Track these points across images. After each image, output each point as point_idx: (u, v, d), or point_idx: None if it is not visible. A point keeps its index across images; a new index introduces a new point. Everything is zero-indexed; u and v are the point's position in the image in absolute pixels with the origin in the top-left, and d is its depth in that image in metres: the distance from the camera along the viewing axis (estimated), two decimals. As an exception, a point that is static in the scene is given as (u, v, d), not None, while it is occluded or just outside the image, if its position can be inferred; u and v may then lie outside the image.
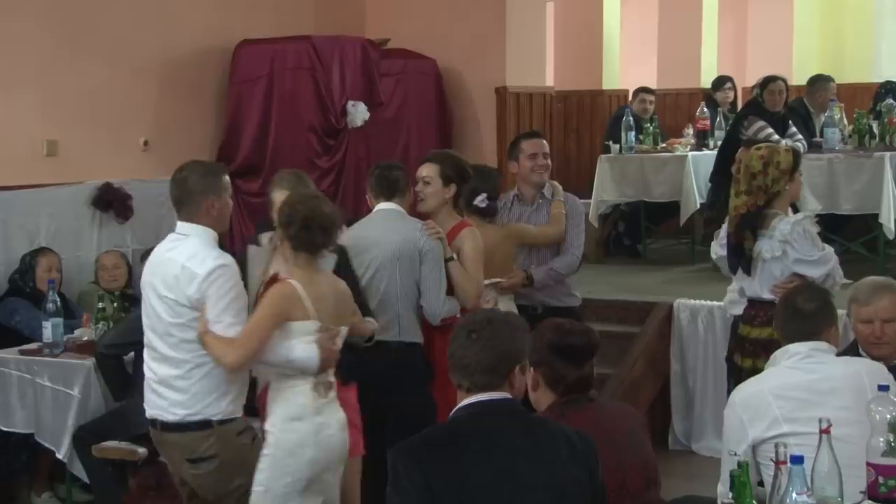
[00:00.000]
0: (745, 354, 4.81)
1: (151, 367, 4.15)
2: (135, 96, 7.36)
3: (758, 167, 4.76)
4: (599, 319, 6.68)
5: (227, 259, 4.03)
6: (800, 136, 8.01)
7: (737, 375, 4.73)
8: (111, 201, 7.09)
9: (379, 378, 4.62)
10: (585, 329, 3.37)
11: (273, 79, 7.71)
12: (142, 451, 5.34)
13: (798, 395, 3.48)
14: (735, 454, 3.20)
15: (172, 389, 4.06)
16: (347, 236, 4.74)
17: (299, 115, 7.74)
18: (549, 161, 5.72)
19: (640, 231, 9.12)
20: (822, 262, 4.73)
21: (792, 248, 4.70)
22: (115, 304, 6.01)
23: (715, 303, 6.55)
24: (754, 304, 4.82)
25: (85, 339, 5.87)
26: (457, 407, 2.96)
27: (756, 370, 4.26)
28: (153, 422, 4.17)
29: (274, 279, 4.01)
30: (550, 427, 2.99)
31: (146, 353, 4.19)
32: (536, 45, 8.99)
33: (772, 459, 3.02)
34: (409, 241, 4.83)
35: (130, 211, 7.19)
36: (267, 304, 3.93)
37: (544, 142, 5.74)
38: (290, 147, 7.68)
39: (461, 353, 2.93)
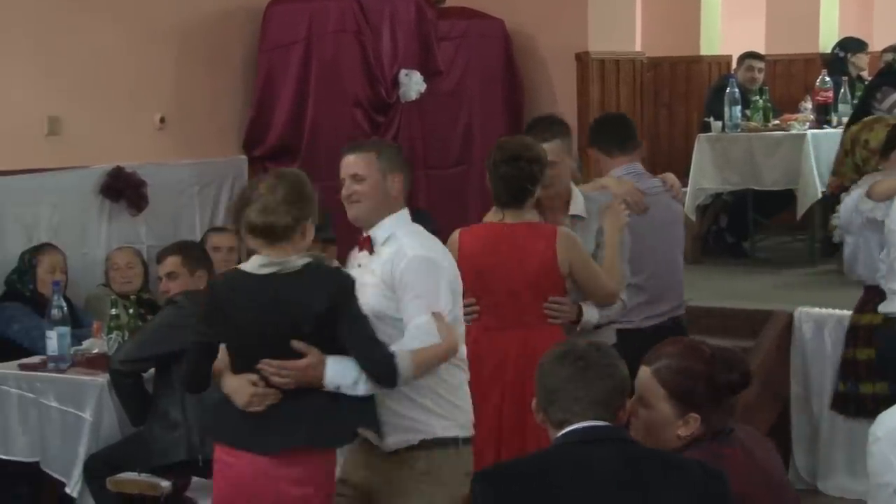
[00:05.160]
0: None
1: None
2: (149, 66, 7.43)
3: None
4: (701, 331, 6.60)
5: None
6: (946, 111, 7.95)
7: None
8: (122, 189, 7.16)
9: None
10: (741, 355, 3.39)
11: (311, 44, 7.76)
12: (165, 484, 5.40)
13: None
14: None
15: None
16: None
17: (342, 86, 7.79)
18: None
19: (745, 225, 9.09)
20: None
21: None
22: (131, 311, 6.06)
23: (846, 312, 6.50)
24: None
25: (95, 351, 5.93)
26: (556, 436, 3.06)
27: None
28: None
29: None
30: (664, 459, 3.05)
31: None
32: (624, 3, 8.98)
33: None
34: None
35: (145, 200, 7.26)
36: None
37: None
38: (331, 125, 7.73)
39: (571, 385, 3.03)
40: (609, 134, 5.69)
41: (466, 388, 4.08)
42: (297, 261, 3.89)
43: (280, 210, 3.86)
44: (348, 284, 3.89)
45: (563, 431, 3.02)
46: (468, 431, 4.06)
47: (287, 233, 3.87)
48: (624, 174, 5.55)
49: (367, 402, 3.91)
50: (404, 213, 4.11)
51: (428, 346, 3.88)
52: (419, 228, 4.12)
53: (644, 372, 3.29)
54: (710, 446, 3.23)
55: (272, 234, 3.87)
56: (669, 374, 3.24)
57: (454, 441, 4.00)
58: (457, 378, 4.05)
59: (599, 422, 3.01)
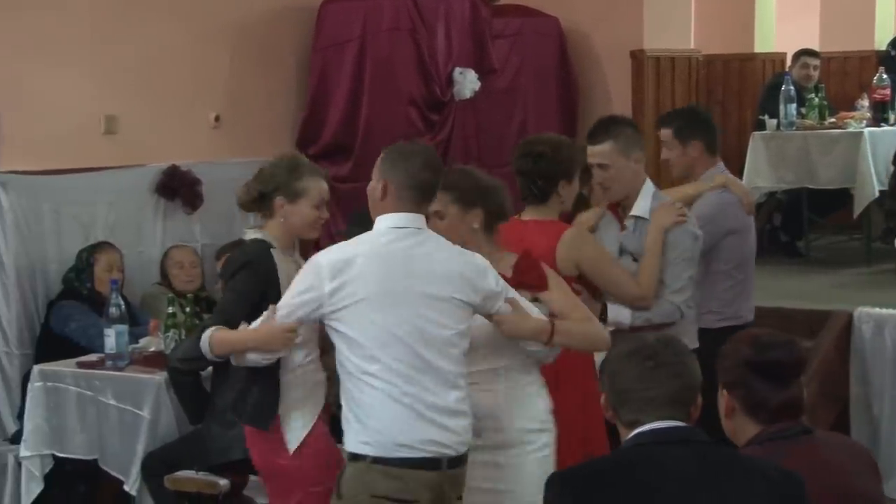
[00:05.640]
0: None
1: (420, 396, 3.85)
2: (204, 64, 7.44)
3: None
4: (757, 331, 6.59)
5: None
6: None
7: None
8: (178, 187, 7.16)
9: None
10: (788, 340, 3.32)
11: (365, 42, 7.74)
12: (223, 483, 5.40)
13: None
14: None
15: (459, 416, 3.90)
16: None
17: (397, 85, 7.77)
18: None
19: (800, 224, 9.00)
20: None
21: None
22: (188, 310, 6.06)
23: (907, 312, 6.43)
24: None
25: (152, 349, 5.95)
26: (626, 438, 3.03)
27: None
28: (435, 461, 3.86)
29: None
30: (740, 460, 3.01)
31: (400, 378, 3.86)
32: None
33: None
34: None
35: (200, 199, 7.26)
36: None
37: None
38: (385, 123, 7.70)
39: (641, 385, 2.99)
40: (713, 131, 5.59)
41: (385, 407, 3.82)
42: (248, 234, 4.52)
43: (244, 187, 4.53)
44: (236, 261, 4.44)
45: (636, 432, 2.99)
46: (383, 452, 3.82)
47: (252, 207, 4.51)
48: (722, 172, 5.53)
49: (246, 394, 4.35)
50: (379, 220, 3.96)
51: (242, 330, 4.18)
52: (370, 234, 3.97)
53: None
54: (775, 444, 3.20)
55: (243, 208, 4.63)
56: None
57: (363, 458, 3.85)
58: (367, 395, 3.84)
59: (672, 422, 2.97)
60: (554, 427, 4.23)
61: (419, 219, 3.96)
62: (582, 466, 2.99)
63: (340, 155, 7.77)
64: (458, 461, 3.92)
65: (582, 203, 5.34)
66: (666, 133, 5.56)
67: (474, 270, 3.95)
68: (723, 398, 3.25)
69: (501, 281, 4.02)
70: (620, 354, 3.08)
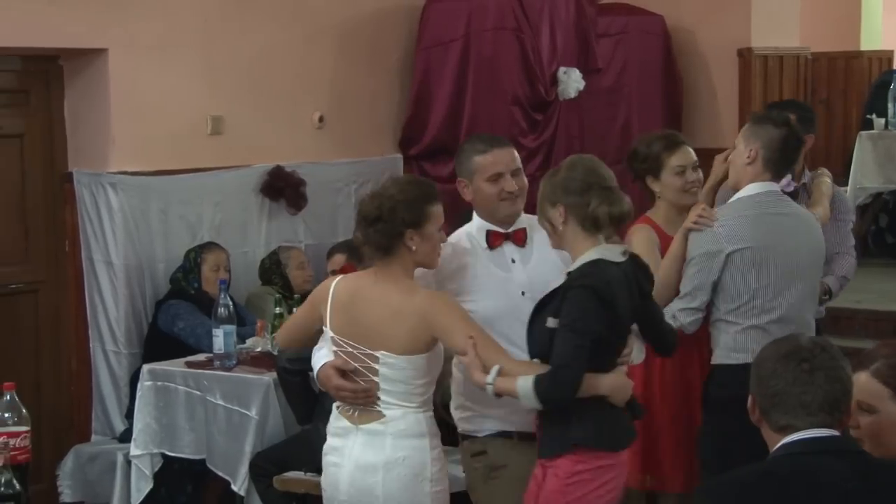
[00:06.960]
0: None
1: None
2: (309, 65, 7.39)
3: None
4: (871, 336, 6.46)
5: None
6: None
7: None
8: (283, 188, 7.13)
9: None
10: None
11: (469, 41, 7.64)
12: (331, 484, 5.36)
13: None
14: None
15: None
16: None
17: (501, 84, 7.66)
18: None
19: (909, 226, 8.86)
20: None
21: None
22: (295, 310, 6.02)
23: None
24: None
25: (259, 349, 5.93)
26: (776, 447, 2.91)
27: None
28: None
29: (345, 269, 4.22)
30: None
31: None
32: (789, -4, 8.78)
33: None
34: None
35: (304, 200, 7.23)
36: None
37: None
38: (488, 123, 7.60)
39: (797, 388, 2.86)
40: None
41: None
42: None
43: None
44: None
45: (788, 441, 2.86)
46: None
47: None
48: None
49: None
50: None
51: None
52: None
53: (860, 377, 3.13)
54: None
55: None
56: (891, 371, 3.11)
57: None
58: None
59: (826, 430, 2.85)
60: None
61: None
62: (729, 476, 2.87)
63: (443, 155, 7.67)
64: None
65: None
66: None
67: None
68: None
69: None
70: (774, 356, 2.96)
